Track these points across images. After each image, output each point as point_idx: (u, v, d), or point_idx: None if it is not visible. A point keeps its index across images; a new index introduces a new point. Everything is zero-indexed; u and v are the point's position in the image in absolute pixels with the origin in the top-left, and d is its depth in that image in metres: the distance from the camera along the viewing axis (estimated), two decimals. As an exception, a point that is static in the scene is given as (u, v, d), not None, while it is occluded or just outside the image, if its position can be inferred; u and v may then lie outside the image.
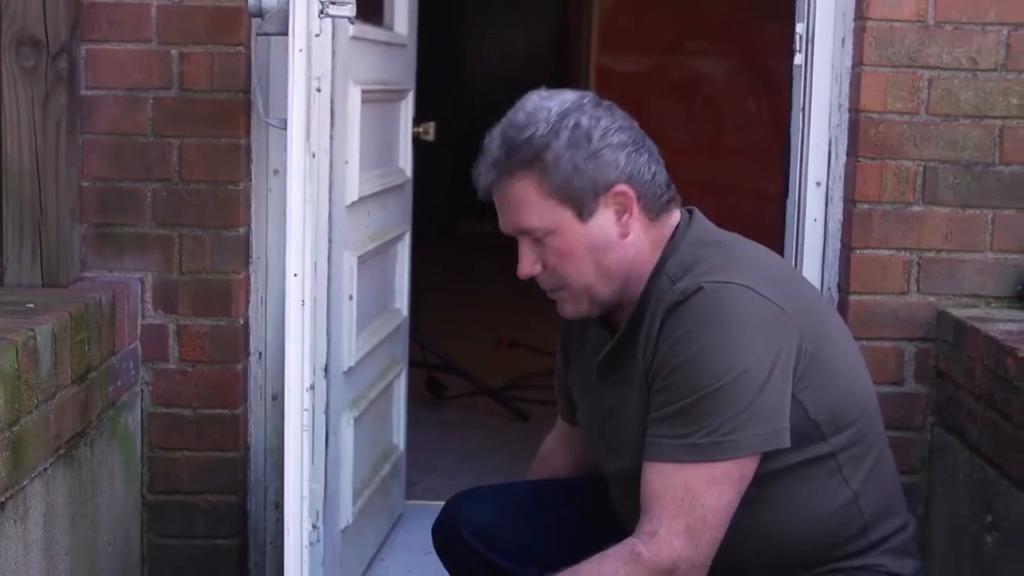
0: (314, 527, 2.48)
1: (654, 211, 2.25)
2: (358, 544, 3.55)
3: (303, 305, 2.36)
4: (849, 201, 3.06)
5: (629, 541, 2.15)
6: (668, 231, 2.27)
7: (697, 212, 2.33)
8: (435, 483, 4.24)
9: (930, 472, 3.07)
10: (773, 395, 2.11)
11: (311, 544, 2.41)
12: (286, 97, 2.45)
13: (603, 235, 2.21)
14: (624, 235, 2.22)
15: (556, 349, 2.54)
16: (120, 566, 2.95)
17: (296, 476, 2.39)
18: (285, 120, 2.43)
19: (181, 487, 3.09)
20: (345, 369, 3.22)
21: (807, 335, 2.16)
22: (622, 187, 2.20)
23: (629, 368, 2.26)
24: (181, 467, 3.09)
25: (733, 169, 6.86)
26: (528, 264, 2.25)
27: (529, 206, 2.20)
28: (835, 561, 2.27)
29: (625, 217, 2.22)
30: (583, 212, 2.19)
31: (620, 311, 2.30)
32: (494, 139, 2.22)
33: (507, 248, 2.32)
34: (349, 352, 3.24)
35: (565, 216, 2.20)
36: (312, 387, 2.41)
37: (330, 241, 3.23)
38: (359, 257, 3.35)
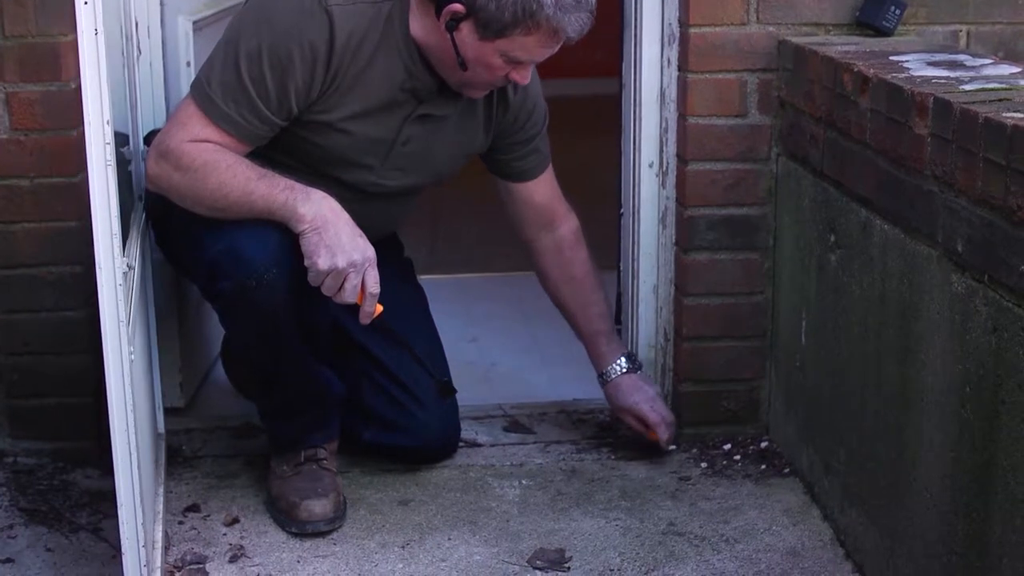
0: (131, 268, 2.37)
1: None
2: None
3: (96, 34, 2.11)
4: (685, -68, 3.03)
5: (568, 230, 3.14)
6: None
7: None
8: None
9: (777, 203, 3.10)
10: None
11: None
12: None
13: None
14: None
15: (275, 74, 2.67)
16: (-31, 345, 2.90)
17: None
18: None
19: (24, 260, 3.01)
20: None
21: None
22: None
23: (467, 115, 2.90)
24: (22, 240, 3.00)
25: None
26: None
27: None
28: None
29: None
30: None
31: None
32: None
33: None
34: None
35: None
36: (110, 120, 2.23)
37: (162, 4, 3.15)
38: (194, 23, 3.27)
